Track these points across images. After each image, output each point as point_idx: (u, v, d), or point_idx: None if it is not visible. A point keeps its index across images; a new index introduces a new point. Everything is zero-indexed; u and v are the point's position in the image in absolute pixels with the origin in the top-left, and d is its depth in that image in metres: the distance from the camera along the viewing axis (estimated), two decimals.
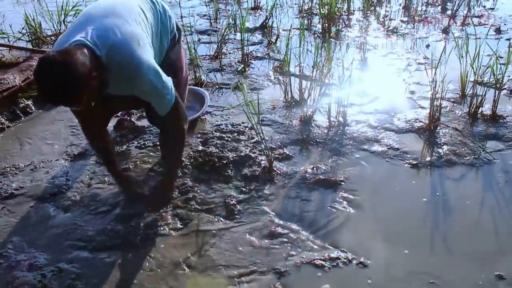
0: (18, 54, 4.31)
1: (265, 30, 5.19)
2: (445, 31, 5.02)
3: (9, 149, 2.96)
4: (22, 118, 3.38)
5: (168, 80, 2.05)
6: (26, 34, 4.71)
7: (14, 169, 2.74)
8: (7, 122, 3.28)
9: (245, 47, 4.24)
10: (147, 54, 1.98)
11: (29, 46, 4.57)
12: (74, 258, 2.07)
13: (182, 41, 2.66)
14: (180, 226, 2.26)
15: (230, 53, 4.55)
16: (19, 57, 4.23)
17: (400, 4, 6.12)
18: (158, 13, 2.30)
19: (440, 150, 2.79)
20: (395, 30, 5.11)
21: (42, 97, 1.77)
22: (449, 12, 5.60)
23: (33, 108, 3.49)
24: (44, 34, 4.77)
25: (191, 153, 2.77)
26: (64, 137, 3.08)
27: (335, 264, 2.00)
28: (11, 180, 2.63)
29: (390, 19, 5.44)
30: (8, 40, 4.65)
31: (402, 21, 5.46)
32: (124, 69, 1.91)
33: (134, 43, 1.94)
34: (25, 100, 3.48)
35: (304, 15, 5.64)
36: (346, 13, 5.62)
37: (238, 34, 4.77)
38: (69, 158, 2.83)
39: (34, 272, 1.99)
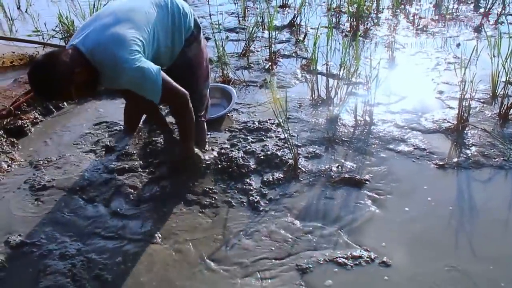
0: None
1: (293, 28, 5.19)
2: (477, 29, 4.93)
3: (42, 143, 3.06)
4: (54, 113, 3.48)
5: (150, 71, 2.13)
6: (59, 32, 4.84)
7: (46, 162, 2.83)
8: (41, 116, 3.39)
9: (272, 45, 4.26)
10: (130, 54, 2.09)
11: (62, 43, 4.69)
12: (102, 249, 2.14)
13: (206, 37, 2.72)
14: (205, 222, 2.30)
15: (257, 51, 4.57)
16: None
17: (430, 2, 6.04)
18: (170, 14, 2.37)
19: (467, 151, 2.75)
20: (425, 28, 5.04)
21: (36, 95, 2.09)
22: (482, 10, 5.49)
23: (64, 103, 3.59)
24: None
25: (216, 154, 2.79)
26: (94, 132, 3.16)
27: (357, 262, 2.01)
28: (44, 173, 2.72)
29: (420, 18, 5.37)
30: (43, 38, 4.80)
31: (432, 19, 5.38)
32: (106, 68, 2.10)
33: (119, 45, 2.08)
34: None
35: (333, 13, 5.62)
36: (375, 12, 5.57)
37: (266, 32, 4.79)
38: (99, 152, 2.90)
39: (64, 261, 2.06)
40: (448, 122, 3.05)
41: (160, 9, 2.33)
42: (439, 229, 2.20)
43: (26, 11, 6.17)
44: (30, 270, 2.02)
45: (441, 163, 2.66)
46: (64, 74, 1.98)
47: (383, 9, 5.76)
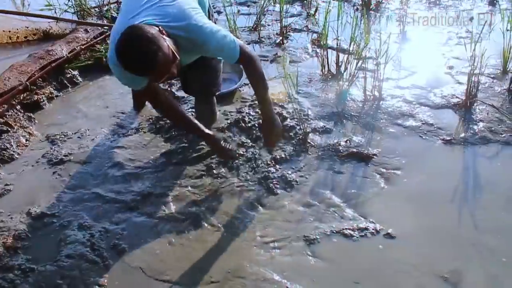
0: (65, 26, 4.48)
1: (304, 1, 5.15)
2: (492, 3, 4.86)
3: (58, 118, 3.14)
4: (69, 88, 3.54)
5: (227, 34, 2.18)
6: (72, 7, 4.86)
7: (63, 136, 2.91)
8: (56, 91, 3.46)
9: (283, 19, 4.26)
10: (206, 20, 2.14)
11: (75, 18, 4.73)
12: (119, 220, 2.23)
13: (217, 11, 2.73)
14: (215, 194, 2.38)
15: (269, 25, 4.57)
16: (65, 29, 4.41)
17: None
18: None
19: (475, 127, 2.79)
20: (437, 1, 4.98)
21: (130, 71, 1.93)
22: None
23: (79, 78, 3.65)
24: (89, 6, 4.91)
25: (226, 124, 2.86)
26: (108, 106, 3.23)
27: (363, 234, 2.09)
28: (61, 147, 2.80)
29: None
30: (55, 12, 4.81)
31: None
32: (192, 42, 2.08)
33: (193, 15, 2.09)
34: (72, 71, 3.64)
35: None
36: None
37: (277, 6, 4.77)
38: (113, 126, 2.98)
39: (83, 231, 2.16)
40: (457, 97, 3.07)
41: None
42: (444, 203, 2.26)
43: None
44: (51, 240, 2.13)
45: (448, 138, 2.70)
46: (160, 41, 1.88)
47: None
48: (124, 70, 1.94)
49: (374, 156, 2.58)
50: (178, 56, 1.97)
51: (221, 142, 2.54)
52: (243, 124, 2.86)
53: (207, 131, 2.46)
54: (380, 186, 2.38)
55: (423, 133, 2.77)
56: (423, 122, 2.87)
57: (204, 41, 2.09)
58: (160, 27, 1.97)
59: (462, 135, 2.73)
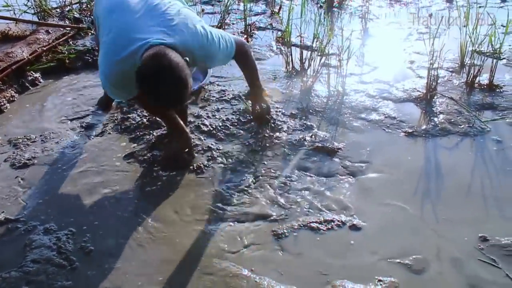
0: (25, 27, 4.37)
1: (268, 0, 5.20)
2: (449, 0, 5.01)
3: (20, 121, 3.07)
4: (31, 89, 3.46)
5: (226, 38, 2.29)
6: (32, 7, 4.74)
7: (26, 139, 2.84)
8: (17, 94, 3.37)
9: (248, 18, 4.28)
10: (208, 28, 2.22)
11: (35, 19, 4.61)
12: (86, 222, 2.20)
13: None
14: (181, 190, 2.38)
15: (233, 24, 4.58)
16: (25, 30, 4.30)
17: None
18: None
19: (435, 119, 2.87)
20: None
21: (159, 103, 1.97)
22: None
23: (41, 80, 3.58)
24: (49, 7, 4.80)
25: (192, 127, 2.86)
26: (73, 107, 3.18)
27: (329, 226, 2.12)
28: (24, 151, 2.74)
29: None
30: (14, 13, 4.68)
31: None
32: (200, 58, 2.17)
33: (201, 30, 2.17)
34: (34, 73, 3.57)
35: None
36: None
37: (242, 4, 4.79)
38: (78, 128, 2.93)
39: (49, 235, 2.12)
40: (418, 91, 3.16)
41: None
42: (407, 193, 2.32)
43: None
44: (16, 245, 2.08)
45: (410, 130, 2.78)
46: (187, 74, 1.91)
47: None
48: (118, 88, 2.12)
49: (339, 150, 2.63)
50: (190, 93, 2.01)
51: (191, 143, 2.57)
52: (206, 128, 2.87)
53: (185, 127, 2.58)
54: (345, 179, 2.43)
55: (386, 126, 2.84)
56: (386, 115, 2.94)
57: (212, 57, 2.20)
58: (180, 50, 1.98)
59: (424, 127, 2.81)
